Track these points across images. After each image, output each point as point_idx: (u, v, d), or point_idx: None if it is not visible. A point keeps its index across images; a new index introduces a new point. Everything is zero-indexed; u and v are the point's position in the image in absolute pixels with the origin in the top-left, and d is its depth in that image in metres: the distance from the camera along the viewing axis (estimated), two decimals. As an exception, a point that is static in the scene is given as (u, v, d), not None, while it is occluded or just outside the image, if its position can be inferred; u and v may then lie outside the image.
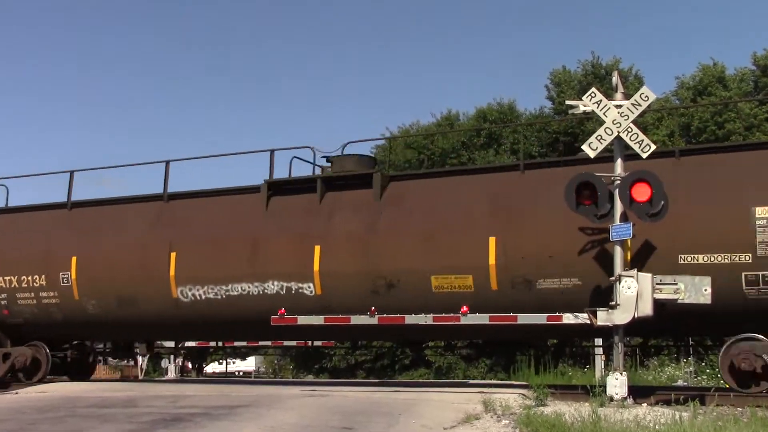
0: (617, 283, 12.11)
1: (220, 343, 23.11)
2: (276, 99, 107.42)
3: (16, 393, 14.59)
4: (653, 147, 12.49)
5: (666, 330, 15.57)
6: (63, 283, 16.81)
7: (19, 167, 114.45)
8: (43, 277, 16.94)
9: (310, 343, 19.64)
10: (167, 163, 16.98)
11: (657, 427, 8.51)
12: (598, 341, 18.28)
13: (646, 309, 12.00)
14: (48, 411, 10.96)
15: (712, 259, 12.53)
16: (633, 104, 12.57)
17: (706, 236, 12.63)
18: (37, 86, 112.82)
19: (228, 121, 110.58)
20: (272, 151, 16.28)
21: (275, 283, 15.11)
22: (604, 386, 11.97)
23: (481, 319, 13.72)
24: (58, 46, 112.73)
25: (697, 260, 12.57)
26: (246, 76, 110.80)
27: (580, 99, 13.18)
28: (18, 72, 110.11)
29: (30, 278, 17.05)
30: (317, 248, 14.93)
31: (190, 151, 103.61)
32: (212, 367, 56.87)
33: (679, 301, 12.05)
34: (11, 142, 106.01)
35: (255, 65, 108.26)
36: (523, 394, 12.08)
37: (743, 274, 12.42)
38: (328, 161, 16.26)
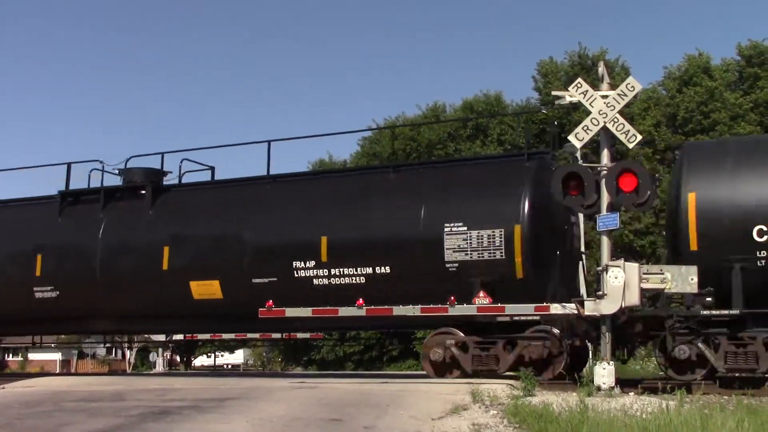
0: (604, 273, 12.16)
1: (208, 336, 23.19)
2: (263, 92, 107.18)
3: (3, 388, 14.50)
4: (639, 137, 12.54)
5: None
6: None
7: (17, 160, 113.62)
8: None
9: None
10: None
11: (644, 415, 8.54)
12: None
13: (633, 299, 12.06)
14: (35, 405, 10.89)
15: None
16: (619, 94, 12.61)
17: None
18: (40, 83, 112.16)
19: (216, 116, 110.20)
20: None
21: None
22: (591, 376, 12.03)
23: (469, 309, 13.78)
24: (60, 43, 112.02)
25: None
26: (233, 71, 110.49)
27: (567, 90, 13.21)
28: (19, 68, 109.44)
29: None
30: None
31: (177, 147, 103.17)
32: (200, 361, 56.91)
33: (666, 291, 12.13)
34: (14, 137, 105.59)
35: (242, 60, 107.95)
36: (511, 385, 12.10)
37: None
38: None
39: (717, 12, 73.52)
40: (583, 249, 16.08)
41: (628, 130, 12.49)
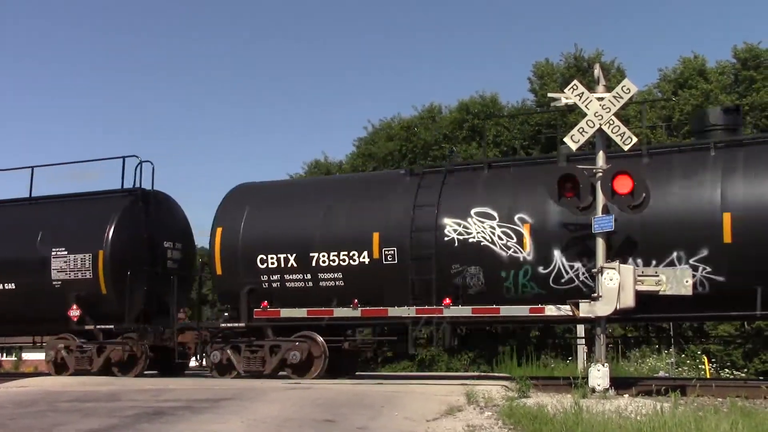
0: (599, 274, 12.17)
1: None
2: (263, 92, 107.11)
3: (-4, 388, 14.45)
4: (635, 139, 12.56)
5: None
6: None
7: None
8: None
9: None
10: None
11: (638, 417, 8.55)
12: (581, 332, 18.37)
13: (628, 300, 12.08)
14: (28, 405, 10.86)
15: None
16: (615, 97, 12.62)
17: None
18: (40, 83, 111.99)
19: (216, 116, 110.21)
20: None
21: None
22: (586, 378, 12.04)
23: (464, 311, 13.80)
24: (58, 44, 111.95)
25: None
26: (233, 71, 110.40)
27: (563, 91, 13.22)
28: (19, 68, 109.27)
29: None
30: None
31: (176, 147, 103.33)
32: (195, 361, 56.61)
33: (660, 293, 12.14)
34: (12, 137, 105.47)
35: (242, 60, 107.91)
36: (506, 386, 12.11)
37: None
38: None
39: (712, 14, 73.71)
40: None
41: (624, 132, 12.50)
